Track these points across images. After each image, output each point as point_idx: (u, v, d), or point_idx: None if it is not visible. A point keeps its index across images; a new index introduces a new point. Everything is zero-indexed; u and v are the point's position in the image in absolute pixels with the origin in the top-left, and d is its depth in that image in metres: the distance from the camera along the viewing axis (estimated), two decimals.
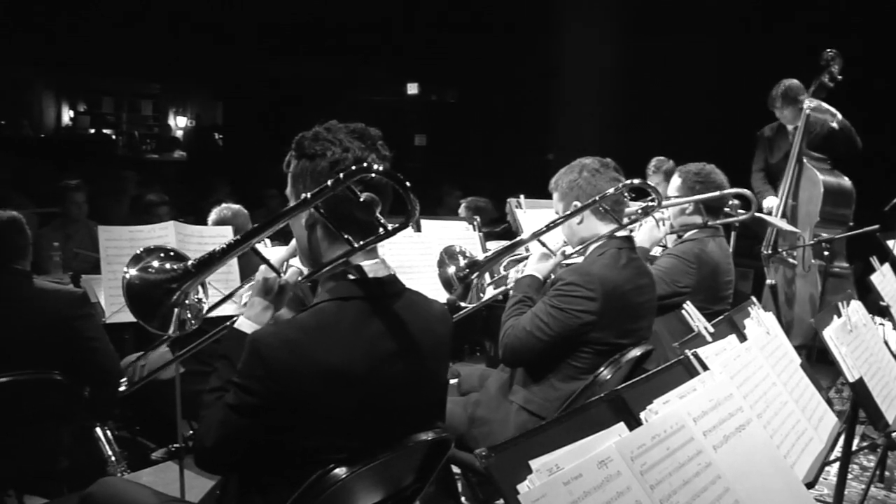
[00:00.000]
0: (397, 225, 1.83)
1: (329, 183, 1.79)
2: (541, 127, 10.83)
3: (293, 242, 2.07)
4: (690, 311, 2.27)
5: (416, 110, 15.16)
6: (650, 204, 3.45)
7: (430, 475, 2.13)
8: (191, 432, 4.06)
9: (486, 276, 3.38)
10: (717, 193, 4.06)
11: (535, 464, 1.31)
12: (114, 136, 18.65)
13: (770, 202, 5.89)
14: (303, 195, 1.88)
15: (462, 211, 6.62)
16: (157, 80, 19.11)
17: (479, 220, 4.36)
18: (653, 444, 1.52)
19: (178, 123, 19.78)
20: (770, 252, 5.91)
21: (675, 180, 4.17)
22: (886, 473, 4.40)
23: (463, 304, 3.21)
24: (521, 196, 4.47)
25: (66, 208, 6.38)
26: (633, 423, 1.56)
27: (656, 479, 1.47)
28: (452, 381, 3.35)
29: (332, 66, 14.90)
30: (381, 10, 13.37)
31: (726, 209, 4.38)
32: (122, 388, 2.35)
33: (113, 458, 3.75)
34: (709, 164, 4.20)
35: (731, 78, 8.53)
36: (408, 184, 1.76)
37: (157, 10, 14.67)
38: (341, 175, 1.78)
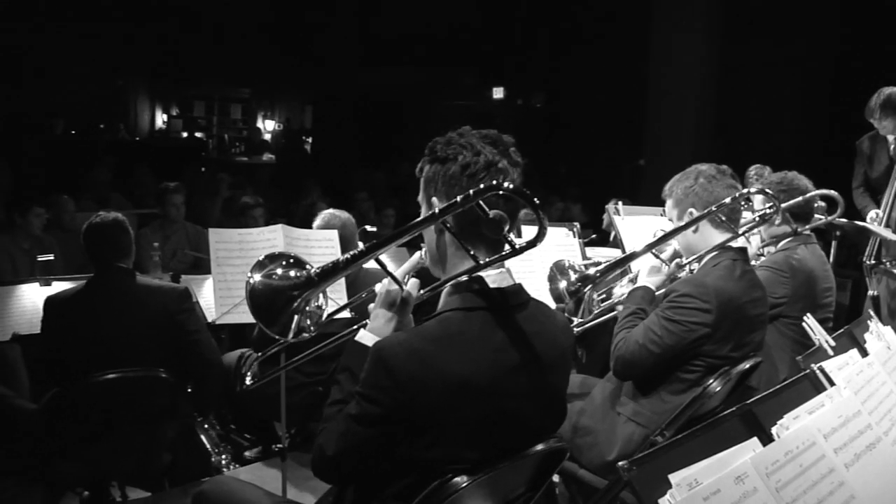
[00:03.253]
0: (524, 244, 1.79)
1: (458, 199, 1.79)
2: (632, 132, 10.71)
3: (415, 256, 2.07)
4: (811, 325, 2.21)
5: (502, 114, 15.17)
6: (768, 212, 3.37)
7: (542, 484, 2.12)
8: (282, 433, 4.14)
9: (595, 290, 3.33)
10: (800, 199, 3.96)
11: (674, 478, 1.31)
12: (205, 140, 19.15)
13: (874, 216, 5.70)
14: (437, 200, 1.90)
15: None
16: (247, 84, 19.58)
17: (578, 226, 4.31)
18: (786, 460, 1.49)
19: (267, 127, 20.20)
20: (873, 262, 5.73)
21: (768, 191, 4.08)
22: None
23: (574, 318, 3.17)
24: (619, 202, 4.40)
25: (165, 209, 6.53)
26: (765, 438, 1.54)
27: (791, 497, 1.45)
28: None
29: (418, 71, 15.03)
30: (468, 16, 13.44)
31: (816, 214, 4.25)
32: (248, 382, 2.39)
33: (221, 456, 3.83)
34: (791, 171, 4.10)
35: (827, 84, 8.34)
36: (537, 201, 1.73)
37: (246, 17, 15.03)
38: (471, 192, 1.77)
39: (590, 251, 4.34)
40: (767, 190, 3.33)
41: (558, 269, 3.12)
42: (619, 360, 2.95)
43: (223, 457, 3.91)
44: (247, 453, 4.54)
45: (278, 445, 3.51)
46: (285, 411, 3.60)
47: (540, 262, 3.25)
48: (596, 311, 3.30)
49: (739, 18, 9.34)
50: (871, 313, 2.54)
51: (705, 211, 3.01)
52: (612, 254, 3.45)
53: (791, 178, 4.05)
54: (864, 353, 2.25)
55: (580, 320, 3.18)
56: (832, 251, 5.29)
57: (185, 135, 19.07)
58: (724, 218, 3.02)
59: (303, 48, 15.26)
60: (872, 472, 1.67)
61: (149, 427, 3.51)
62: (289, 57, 16.08)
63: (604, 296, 3.41)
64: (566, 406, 2.15)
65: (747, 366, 2.90)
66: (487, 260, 1.87)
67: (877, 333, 2.41)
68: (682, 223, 3.05)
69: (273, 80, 18.09)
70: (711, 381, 2.84)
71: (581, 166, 12.37)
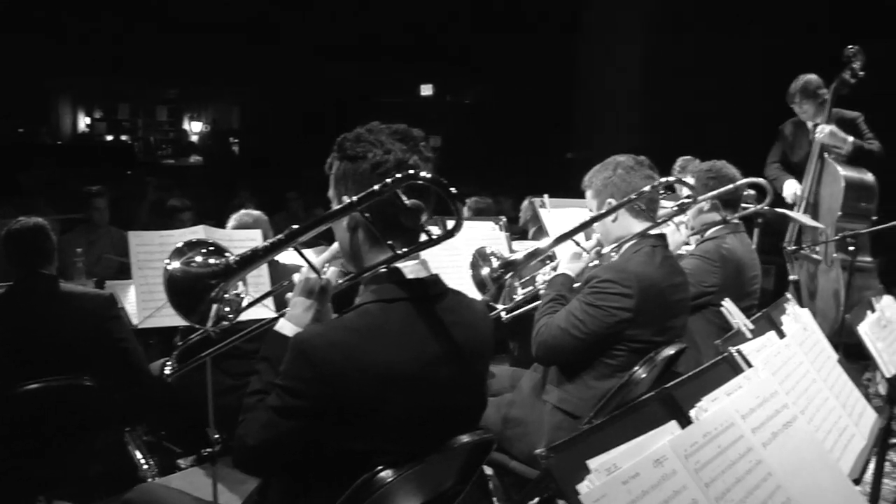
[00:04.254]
0: (441, 234, 1.80)
1: (376, 187, 1.78)
2: (559, 126, 10.81)
3: (335, 245, 2.06)
4: (730, 309, 2.26)
5: (431, 112, 15.18)
6: (686, 201, 3.43)
7: (471, 476, 2.12)
8: (216, 436, 4.08)
9: (516, 278, 3.36)
10: (730, 186, 4.05)
11: (592, 463, 1.31)
12: (130, 142, 18.80)
13: (789, 187, 5.86)
14: (348, 199, 1.86)
15: (465, 212, 6.50)
16: (173, 85, 19.24)
17: (505, 219, 4.34)
18: (705, 441, 1.52)
19: (194, 128, 19.89)
20: (793, 248, 5.89)
21: (688, 181, 4.16)
22: None
23: (496, 306, 3.19)
24: (545, 196, 4.44)
25: (88, 214, 6.42)
26: (684, 421, 1.56)
27: (710, 477, 1.47)
28: None
29: (348, 69, 14.95)
30: (398, 13, 13.40)
31: (743, 203, 4.35)
32: (167, 371, 2.34)
33: (145, 464, 3.76)
34: (719, 161, 4.19)
35: (752, 76, 8.51)
36: (453, 190, 1.74)
37: (172, 15, 14.77)
38: (389, 180, 1.76)
39: (517, 245, 4.36)
40: (683, 179, 3.39)
41: (480, 256, 3.14)
42: (542, 345, 2.97)
43: (149, 466, 3.84)
44: (180, 461, 4.46)
45: (208, 450, 3.45)
46: (217, 416, 3.55)
47: (467, 255, 3.26)
48: (517, 299, 3.32)
49: (670, 11, 9.47)
50: (790, 296, 2.61)
51: (624, 199, 3.06)
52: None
53: (720, 166, 4.13)
54: (782, 335, 2.31)
55: (502, 307, 3.20)
56: (755, 238, 5.41)
57: (109, 138, 18.70)
58: (642, 207, 3.08)
59: (231, 48, 15.07)
60: (789, 450, 1.71)
61: (76, 437, 3.43)
62: (217, 57, 15.86)
63: (529, 288, 3.43)
64: (487, 394, 2.16)
65: (672, 351, 2.95)
66: (406, 250, 1.87)
67: (794, 315, 2.48)
68: (602, 212, 3.10)
69: (200, 80, 17.82)
70: (637, 368, 2.88)
71: (512, 161, 12.44)
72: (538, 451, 1.29)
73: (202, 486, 3.54)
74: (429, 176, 1.77)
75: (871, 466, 2.74)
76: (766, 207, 4.55)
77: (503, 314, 3.38)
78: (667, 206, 3.50)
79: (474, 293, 3.10)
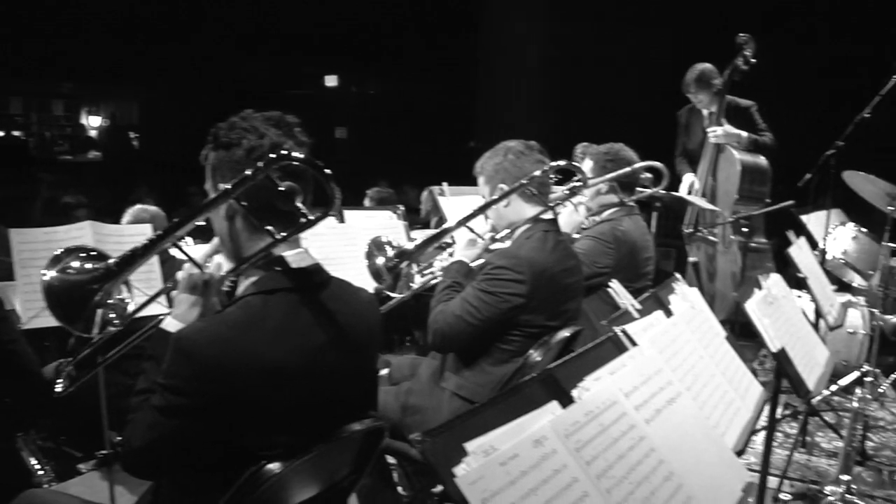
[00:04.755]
0: (319, 214, 1.78)
1: (248, 172, 1.75)
2: (463, 115, 10.86)
3: (216, 239, 2.01)
4: (617, 290, 2.29)
5: (336, 103, 15.06)
6: (576, 185, 3.47)
7: (366, 465, 2.11)
8: (118, 438, 3.97)
9: (414, 265, 3.35)
10: (628, 169, 4.13)
11: (470, 446, 1.30)
12: (24, 138, 18.13)
13: (688, 179, 6.00)
14: (222, 186, 1.83)
15: (367, 202, 6.48)
16: (68, 79, 18.60)
17: (403, 208, 4.34)
18: (586, 420, 1.53)
19: (92, 123, 19.29)
20: (691, 231, 6.03)
21: (587, 163, 4.22)
22: (808, 439, 4.54)
23: (393, 294, 3.17)
24: (445, 184, 4.46)
25: None
26: (566, 401, 1.57)
27: (591, 455, 1.48)
28: (383, 372, 3.32)
29: (251, 62, 14.70)
30: (301, 5, 13.24)
31: (639, 187, 4.44)
32: (58, 389, 2.27)
33: (40, 470, 3.63)
34: (617, 143, 4.26)
35: (653, 64, 8.67)
36: (328, 171, 1.72)
37: (67, 7, 14.28)
38: (260, 163, 1.74)
39: (417, 234, 4.36)
40: (577, 164, 3.44)
41: (375, 246, 3.12)
42: (437, 333, 2.97)
43: (45, 472, 3.71)
44: (80, 466, 4.33)
45: (103, 452, 3.35)
46: (114, 417, 3.44)
47: (364, 245, 3.24)
48: (415, 287, 3.31)
49: (571, 0, 9.58)
50: (679, 276, 2.66)
51: (515, 185, 3.07)
52: None
53: (618, 149, 4.21)
54: (670, 314, 2.36)
55: (399, 296, 3.19)
56: (653, 221, 5.51)
57: (1, 133, 18.01)
58: (534, 191, 3.09)
59: (130, 40, 14.65)
60: (673, 426, 1.74)
61: None
62: (115, 50, 15.39)
63: (428, 275, 3.42)
64: (377, 382, 2.15)
65: (567, 334, 2.98)
66: (284, 234, 1.83)
67: (682, 295, 2.53)
68: (494, 197, 3.11)
69: (98, 73, 17.27)
70: (532, 351, 2.90)
71: (416, 151, 12.45)
72: (413, 436, 1.27)
73: (100, 489, 3.44)
74: (301, 156, 1.75)
75: (763, 438, 2.84)
76: (662, 191, 4.65)
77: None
78: (558, 190, 3.53)
79: (371, 283, 3.09)
